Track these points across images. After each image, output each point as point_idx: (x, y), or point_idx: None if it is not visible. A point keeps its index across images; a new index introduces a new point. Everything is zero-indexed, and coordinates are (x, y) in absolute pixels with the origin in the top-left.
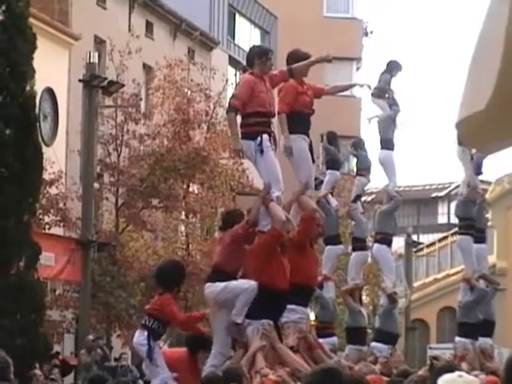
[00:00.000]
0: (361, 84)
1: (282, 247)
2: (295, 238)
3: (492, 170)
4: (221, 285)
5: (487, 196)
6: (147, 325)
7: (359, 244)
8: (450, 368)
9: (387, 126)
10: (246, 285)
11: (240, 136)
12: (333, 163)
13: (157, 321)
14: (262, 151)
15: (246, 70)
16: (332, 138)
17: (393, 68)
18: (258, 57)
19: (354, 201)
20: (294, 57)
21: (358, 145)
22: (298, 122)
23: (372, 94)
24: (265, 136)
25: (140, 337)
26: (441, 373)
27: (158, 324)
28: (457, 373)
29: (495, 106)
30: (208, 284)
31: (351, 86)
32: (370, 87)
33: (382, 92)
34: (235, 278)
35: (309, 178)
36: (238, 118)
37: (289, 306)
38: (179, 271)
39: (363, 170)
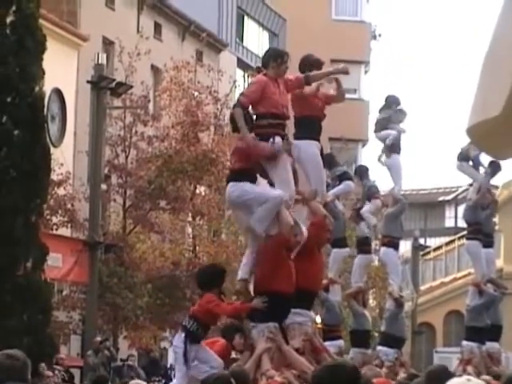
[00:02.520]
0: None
1: (289, 251)
2: (304, 243)
3: (500, 173)
4: (246, 185)
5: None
6: (186, 326)
7: (363, 247)
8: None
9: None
10: (274, 192)
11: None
12: (344, 176)
13: (197, 323)
14: None
15: (261, 71)
16: (330, 163)
17: (391, 102)
18: (273, 59)
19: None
20: (307, 62)
21: (362, 173)
22: (309, 126)
23: (375, 131)
24: (277, 138)
25: (179, 338)
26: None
27: (198, 326)
28: (465, 377)
29: (509, 112)
30: (232, 183)
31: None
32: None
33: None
34: (256, 177)
35: (320, 184)
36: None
37: (293, 310)
38: (217, 272)
39: (375, 193)
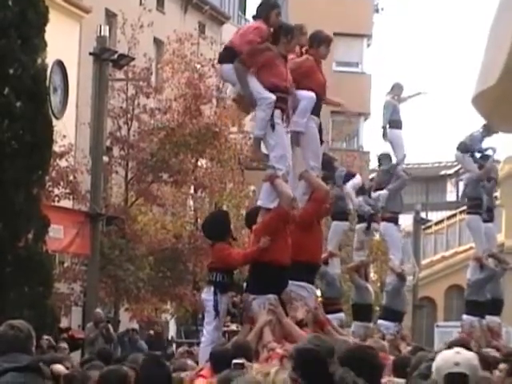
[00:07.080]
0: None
1: (287, 224)
2: (304, 217)
3: (502, 148)
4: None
5: None
6: (212, 279)
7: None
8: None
9: (396, 110)
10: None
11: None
12: (351, 174)
13: (219, 272)
14: (272, 126)
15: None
16: (329, 165)
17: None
18: (284, 35)
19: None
20: (317, 39)
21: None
22: None
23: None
24: (277, 111)
25: (207, 292)
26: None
27: (222, 275)
28: (455, 349)
29: (506, 82)
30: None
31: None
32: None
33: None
34: None
35: (316, 158)
36: None
37: (297, 283)
38: (220, 222)
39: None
